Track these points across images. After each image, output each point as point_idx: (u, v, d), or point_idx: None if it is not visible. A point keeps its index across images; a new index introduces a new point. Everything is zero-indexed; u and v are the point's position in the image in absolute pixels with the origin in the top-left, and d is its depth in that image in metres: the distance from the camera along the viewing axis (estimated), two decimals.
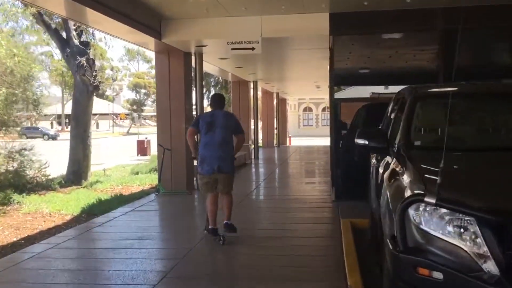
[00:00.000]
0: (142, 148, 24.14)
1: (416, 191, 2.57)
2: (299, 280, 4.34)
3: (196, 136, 5.86)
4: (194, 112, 9.90)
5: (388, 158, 3.85)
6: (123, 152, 25.43)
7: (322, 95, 36.29)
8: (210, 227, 5.65)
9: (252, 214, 7.45)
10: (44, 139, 43.28)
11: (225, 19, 8.02)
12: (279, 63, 13.04)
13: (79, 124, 13.25)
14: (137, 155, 23.51)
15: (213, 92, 30.20)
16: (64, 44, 13.31)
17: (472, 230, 2.31)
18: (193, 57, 9.81)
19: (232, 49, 8.12)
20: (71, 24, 13.12)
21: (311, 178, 12.81)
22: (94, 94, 13.85)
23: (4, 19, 13.90)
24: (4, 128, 11.14)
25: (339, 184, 8.44)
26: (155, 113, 9.30)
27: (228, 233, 5.57)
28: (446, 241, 2.34)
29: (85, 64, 12.67)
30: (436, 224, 2.39)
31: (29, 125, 50.52)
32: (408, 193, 2.67)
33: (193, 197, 9.11)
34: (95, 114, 59.37)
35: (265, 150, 21.52)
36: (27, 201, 9.57)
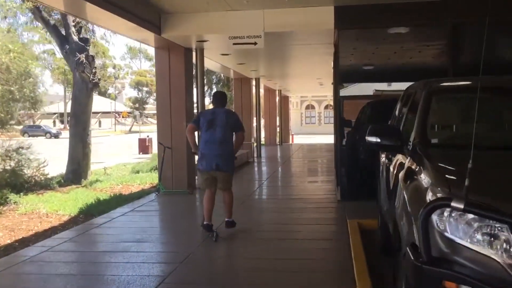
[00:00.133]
0: (144, 147, 23.97)
1: (440, 195, 2.30)
2: (305, 286, 4.09)
3: (196, 133, 5.92)
4: (195, 110, 9.66)
5: (401, 157, 3.58)
6: (124, 151, 25.24)
7: (325, 93, 36.13)
8: (204, 223, 5.69)
9: (255, 215, 7.20)
10: (46, 138, 43.14)
11: (227, 13, 7.76)
12: (282, 59, 12.77)
13: (79, 122, 13.00)
14: (139, 153, 23.34)
15: (214, 89, 29.98)
16: (63, 40, 13.07)
17: (504, 238, 2.05)
18: (194, 53, 9.57)
19: (234, 44, 7.86)
20: (70, 20, 12.87)
21: (315, 177, 12.55)
22: (95, 91, 13.62)
23: (1, 14, 13.65)
24: (0, 126, 10.90)
25: (344, 184, 8.19)
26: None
27: (228, 228, 5.73)
28: (474, 250, 2.08)
29: (84, 61, 12.42)
30: (463, 232, 2.13)
31: (31, 123, 50.67)
32: (429, 196, 2.41)
33: (194, 197, 8.86)
34: (97, 112, 59.54)
35: (268, 148, 21.28)
36: (24, 201, 9.34)
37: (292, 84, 22.67)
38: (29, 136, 44.80)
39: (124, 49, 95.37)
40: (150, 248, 5.35)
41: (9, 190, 9.84)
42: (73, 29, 12.88)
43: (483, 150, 3.10)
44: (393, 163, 3.92)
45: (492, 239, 2.08)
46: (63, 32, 13.16)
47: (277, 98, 23.99)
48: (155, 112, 10.63)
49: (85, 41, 13.20)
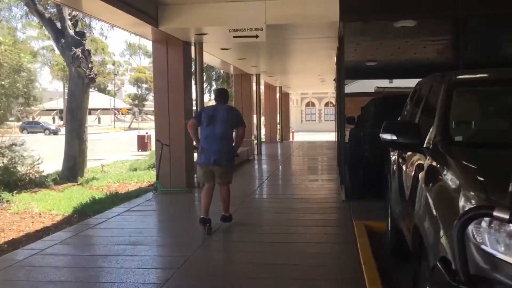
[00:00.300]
0: (143, 144, 23.69)
1: (475, 201, 1.99)
2: None
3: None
4: (194, 107, 9.35)
5: (418, 156, 3.27)
6: (123, 148, 24.94)
7: (326, 90, 35.83)
8: (201, 216, 5.70)
9: (256, 216, 6.88)
10: (45, 134, 42.80)
11: (226, 4, 7.44)
12: (283, 54, 12.46)
13: (75, 118, 12.67)
14: (138, 151, 23.07)
15: (214, 86, 29.66)
16: (58, 34, 12.72)
17: None
18: (193, 48, 9.25)
19: (235, 36, 7.53)
20: (66, 13, 12.53)
21: (317, 175, 12.24)
22: (92, 87, 13.30)
23: None
24: None
25: (349, 183, 7.88)
26: None
27: (223, 222, 5.77)
28: None
29: (80, 55, 12.08)
30: (506, 245, 1.82)
31: (30, 120, 50.30)
32: (462, 201, 2.10)
33: (193, 196, 8.55)
34: (97, 109, 59.27)
35: (268, 145, 20.98)
36: (17, 200, 9.01)
37: (293, 81, 22.35)
38: (28, 132, 44.55)
39: (123, 46, 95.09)
40: (146, 251, 5.03)
41: (1, 188, 9.51)
42: (69, 22, 12.54)
43: None
44: (409, 162, 3.61)
45: None
46: (59, 26, 12.81)
47: (278, 95, 23.68)
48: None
49: (81, 35, 12.85)
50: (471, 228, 1.91)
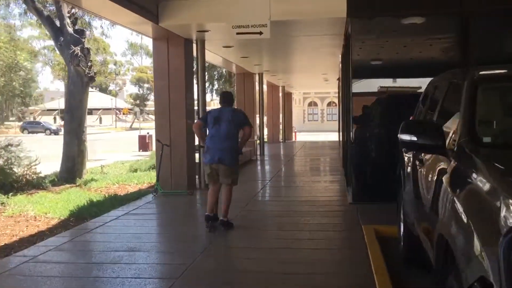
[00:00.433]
0: (144, 144, 23.44)
1: None
2: None
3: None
4: (195, 107, 9.08)
5: (440, 158, 2.98)
6: (124, 148, 24.70)
7: (328, 89, 35.54)
8: (206, 213, 5.78)
9: (260, 220, 6.59)
10: (46, 134, 42.62)
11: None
12: (287, 52, 12.16)
13: (74, 118, 12.39)
14: (139, 151, 22.83)
15: (216, 85, 29.40)
16: (57, 32, 12.44)
17: None
18: (194, 46, 8.97)
19: (238, 33, 7.22)
20: (65, 11, 12.27)
21: (322, 176, 11.95)
22: (93, 86, 13.05)
23: None
24: None
25: (355, 184, 7.58)
26: None
27: (225, 228, 5.67)
28: None
29: (79, 54, 11.81)
30: None
31: (31, 119, 50.11)
32: (504, 212, 1.81)
33: (194, 198, 8.28)
34: (98, 109, 59.10)
35: (271, 145, 20.71)
36: (12, 202, 8.72)
37: (296, 80, 22.08)
38: (29, 132, 44.43)
39: (125, 45, 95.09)
40: (144, 259, 4.75)
41: None
42: (68, 20, 12.27)
43: None
44: (428, 165, 3.32)
45: None
46: (58, 24, 12.54)
47: (280, 95, 23.42)
48: None
49: (81, 33, 12.58)
50: None
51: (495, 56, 7.49)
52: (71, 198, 9.14)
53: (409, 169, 4.29)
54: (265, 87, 20.79)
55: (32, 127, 46.47)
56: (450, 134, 3.00)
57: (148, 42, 62.43)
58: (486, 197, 2.08)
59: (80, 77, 12.22)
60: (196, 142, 9.19)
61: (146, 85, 55.22)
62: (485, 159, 2.37)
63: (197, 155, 9.12)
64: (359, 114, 8.06)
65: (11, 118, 50.33)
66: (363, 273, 4.20)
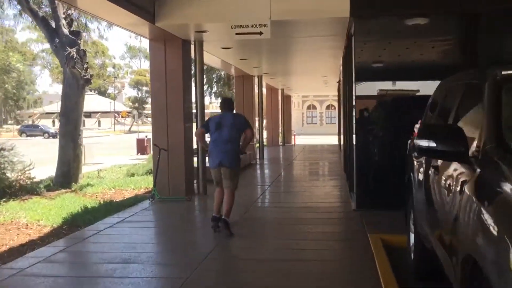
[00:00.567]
0: (142, 147, 23.18)
1: None
2: None
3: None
4: (193, 110, 8.82)
5: (460, 166, 2.72)
6: (122, 151, 24.43)
7: (327, 92, 35.30)
8: (213, 214, 5.87)
9: (260, 229, 6.31)
10: (44, 137, 42.30)
11: None
12: (287, 54, 11.92)
13: (69, 121, 12.10)
14: (137, 154, 22.56)
15: (215, 88, 29.16)
16: (52, 34, 12.17)
17: None
18: (192, 47, 8.71)
19: (237, 33, 6.98)
20: (60, 12, 12.00)
21: (323, 181, 11.67)
22: (91, 89, 12.79)
23: None
24: None
25: (359, 190, 7.30)
26: None
27: (224, 229, 5.66)
28: None
29: (75, 56, 11.53)
30: None
31: (30, 123, 49.73)
32: None
33: (192, 204, 8.01)
34: (97, 112, 58.81)
35: (270, 149, 20.45)
36: (4, 209, 8.41)
37: (296, 83, 21.84)
38: (27, 136, 44.13)
39: (124, 49, 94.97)
40: (138, 272, 4.46)
41: None
42: (63, 21, 11.99)
43: None
44: (446, 173, 3.05)
45: None
46: (53, 25, 12.27)
47: (280, 98, 23.19)
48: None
49: (76, 34, 12.30)
50: None
51: (504, 57, 7.25)
52: (65, 204, 8.86)
53: (420, 176, 4.02)
54: (264, 90, 20.56)
55: (30, 130, 46.19)
56: (472, 140, 2.74)
57: (147, 45, 62.16)
58: None
59: (76, 79, 11.94)
60: (195, 146, 8.94)
61: (145, 88, 54.97)
62: None
63: (195, 159, 8.86)
64: (364, 115, 7.81)
65: (9, 121, 50.02)
66: (372, 287, 3.94)
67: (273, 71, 15.89)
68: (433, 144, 2.66)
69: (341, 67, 11.63)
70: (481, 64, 7.12)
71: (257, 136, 15.81)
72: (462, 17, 7.20)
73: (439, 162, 3.29)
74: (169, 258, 5.12)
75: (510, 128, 2.55)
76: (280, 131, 23.55)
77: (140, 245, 5.49)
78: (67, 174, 11.81)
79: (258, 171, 13.36)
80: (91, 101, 55.83)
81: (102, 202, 8.96)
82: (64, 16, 12.04)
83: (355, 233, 5.87)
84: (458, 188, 2.62)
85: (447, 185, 2.98)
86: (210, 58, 11.37)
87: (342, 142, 13.77)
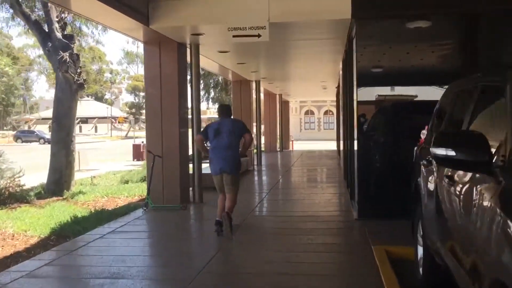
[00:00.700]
0: (138, 153, 22.84)
1: None
2: None
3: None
4: (189, 116, 8.53)
5: (481, 177, 2.44)
6: (118, 157, 24.11)
7: (325, 98, 35.11)
8: (216, 219, 5.89)
9: (258, 239, 5.99)
10: (40, 143, 41.90)
11: (226, 0, 6.66)
12: (285, 58, 11.68)
13: (62, 127, 11.78)
14: (133, 160, 22.25)
15: (212, 94, 28.91)
16: (45, 37, 11.89)
17: None
18: (188, 50, 8.44)
19: (234, 36, 6.72)
20: (53, 15, 11.73)
21: (322, 189, 11.36)
22: (86, 94, 12.49)
23: None
24: None
25: (361, 198, 7.01)
26: None
27: (226, 220, 5.71)
28: None
29: (68, 60, 11.25)
30: None
31: (25, 128, 49.37)
32: None
33: (188, 213, 7.70)
34: (93, 118, 58.41)
35: (268, 155, 20.18)
36: None
37: (294, 88, 21.61)
38: (23, 141, 43.73)
39: (121, 54, 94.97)
40: None
41: None
42: (56, 25, 11.71)
43: None
44: (463, 184, 2.77)
45: None
46: (46, 29, 11.98)
47: (278, 103, 22.95)
48: None
49: (70, 38, 12.01)
50: None
51: (504, 58, 7.01)
52: (55, 213, 8.52)
53: (431, 185, 3.74)
54: (262, 95, 20.32)
55: (26, 136, 45.88)
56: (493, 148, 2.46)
57: (135, 39, 61.98)
58: None
59: (69, 84, 11.64)
60: (190, 152, 8.66)
61: (142, 94, 54.77)
62: None
63: (190, 165, 8.57)
64: (366, 121, 7.55)
65: (5, 127, 49.61)
66: None
67: (271, 76, 15.65)
68: (451, 153, 2.38)
69: (341, 72, 11.38)
70: (483, 66, 6.89)
71: (254, 141, 15.53)
72: (462, 17, 6.96)
73: (454, 170, 3.01)
74: (161, 272, 4.82)
75: None
76: (278, 136, 23.30)
77: (131, 258, 5.18)
78: (59, 182, 11.48)
79: (256, 178, 13.06)
80: (88, 107, 55.55)
81: (93, 211, 8.64)
82: (57, 19, 11.76)
83: (358, 244, 5.59)
84: (480, 202, 2.34)
85: (464, 198, 2.70)
86: (207, 63, 11.11)
87: (341, 148, 13.51)
